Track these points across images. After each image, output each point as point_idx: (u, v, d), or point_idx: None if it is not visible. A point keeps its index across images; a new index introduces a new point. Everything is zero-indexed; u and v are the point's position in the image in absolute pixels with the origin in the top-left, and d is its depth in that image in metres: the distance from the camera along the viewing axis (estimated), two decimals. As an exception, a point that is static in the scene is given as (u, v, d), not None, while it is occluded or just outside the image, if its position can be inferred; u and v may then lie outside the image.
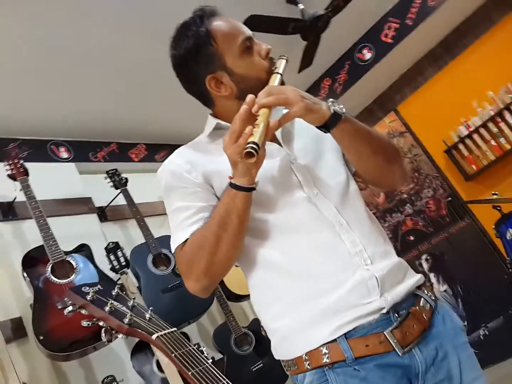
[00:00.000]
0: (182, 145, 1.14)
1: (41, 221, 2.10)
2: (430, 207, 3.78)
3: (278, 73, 1.06)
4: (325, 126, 0.97)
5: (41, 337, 1.89)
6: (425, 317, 0.98)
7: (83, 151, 2.94)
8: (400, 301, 0.97)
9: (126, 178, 2.77)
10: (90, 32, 2.27)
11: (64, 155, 2.85)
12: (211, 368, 0.73)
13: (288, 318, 0.99)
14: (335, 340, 0.93)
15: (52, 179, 2.65)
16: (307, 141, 1.10)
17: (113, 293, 0.85)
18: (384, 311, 0.94)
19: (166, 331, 0.81)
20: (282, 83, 1.06)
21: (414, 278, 1.04)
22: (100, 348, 2.00)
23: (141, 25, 2.39)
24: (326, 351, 0.93)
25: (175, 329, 0.86)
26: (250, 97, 0.91)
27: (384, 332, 0.93)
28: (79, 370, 2.16)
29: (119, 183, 2.73)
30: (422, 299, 1.02)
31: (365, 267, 0.98)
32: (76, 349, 1.92)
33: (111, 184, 2.74)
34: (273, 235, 1.01)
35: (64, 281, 2.02)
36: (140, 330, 0.80)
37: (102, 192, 2.77)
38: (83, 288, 0.81)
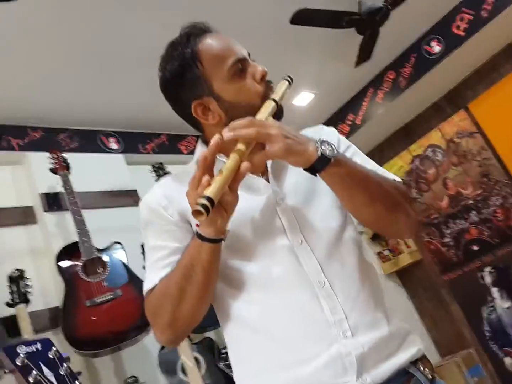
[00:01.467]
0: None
1: (78, 217, 2.15)
2: (497, 216, 3.45)
3: (273, 99, 0.95)
4: (312, 169, 0.84)
5: (68, 334, 1.94)
6: None
7: (132, 142, 2.96)
8: (384, 381, 0.84)
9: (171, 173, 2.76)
10: (140, 23, 2.26)
11: (114, 146, 2.89)
12: None
13: (256, 382, 0.90)
14: None
15: (100, 170, 2.70)
16: (300, 178, 0.95)
17: (50, 356, 0.80)
18: None
19: None
20: (277, 111, 0.95)
21: (409, 352, 0.90)
22: (125, 348, 2.03)
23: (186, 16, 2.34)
24: None
25: None
26: (214, 140, 0.80)
27: None
28: (109, 364, 2.20)
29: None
30: (414, 378, 0.88)
31: (344, 341, 0.84)
32: (101, 348, 1.95)
33: (156, 178, 2.74)
34: (248, 287, 0.91)
35: (94, 279, 2.05)
36: None
37: (149, 184, 2.79)
38: (17, 348, 0.77)
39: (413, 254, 3.89)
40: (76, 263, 2.09)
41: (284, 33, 2.65)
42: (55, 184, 2.37)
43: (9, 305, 1.93)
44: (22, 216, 2.39)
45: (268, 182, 0.97)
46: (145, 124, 2.98)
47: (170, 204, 0.95)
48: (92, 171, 2.64)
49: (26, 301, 1.93)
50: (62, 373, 0.78)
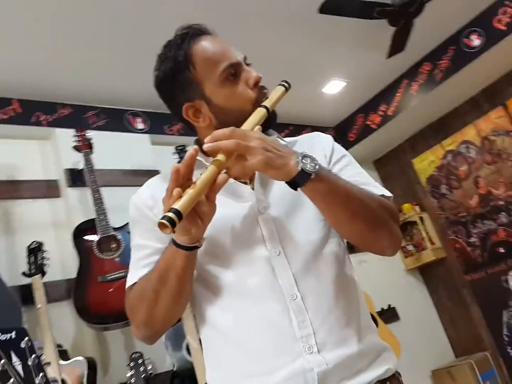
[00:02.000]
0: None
1: (96, 195, 2.22)
2: (527, 219, 3.34)
3: (264, 106, 0.95)
4: (293, 183, 0.83)
5: (78, 306, 2.03)
6: None
7: (159, 123, 3.01)
8: None
9: (193, 156, 2.80)
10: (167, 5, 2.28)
11: (140, 126, 2.95)
12: None
13: None
14: None
15: (125, 149, 2.77)
16: (286, 188, 0.91)
17: (22, 345, 0.84)
18: None
19: None
20: (268, 118, 0.95)
21: (377, 371, 0.89)
22: (132, 324, 2.10)
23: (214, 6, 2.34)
24: None
25: None
26: (189, 153, 0.81)
27: None
28: (119, 338, 2.30)
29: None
30: None
31: (308, 356, 0.85)
32: (110, 323, 2.04)
33: (178, 160, 2.79)
34: (223, 294, 0.92)
35: (107, 256, 2.13)
36: None
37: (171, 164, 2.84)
38: None
39: (437, 251, 3.82)
40: (92, 239, 2.18)
41: (315, 21, 2.60)
42: (78, 161, 2.45)
43: (25, 275, 2.04)
44: (47, 189, 2.50)
45: (253, 189, 0.97)
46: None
47: (155, 205, 0.96)
48: (117, 149, 2.71)
49: (42, 272, 2.04)
50: (29, 364, 0.83)
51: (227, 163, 0.82)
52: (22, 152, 2.52)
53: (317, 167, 0.82)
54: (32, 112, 2.54)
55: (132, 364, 1.97)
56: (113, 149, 2.68)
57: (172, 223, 0.72)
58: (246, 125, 0.90)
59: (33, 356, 0.84)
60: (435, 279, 3.92)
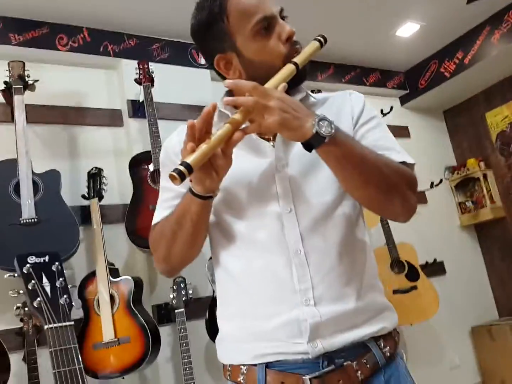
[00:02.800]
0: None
1: (154, 128, 2.33)
2: None
3: (294, 63, 0.95)
4: (307, 145, 0.86)
5: (129, 230, 2.22)
6: (359, 375, 0.91)
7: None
8: (338, 349, 0.91)
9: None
10: None
11: (203, 61, 2.98)
12: (78, 371, 0.82)
13: (229, 323, 1.02)
14: (255, 365, 0.94)
15: (186, 83, 2.82)
16: None
17: (53, 268, 0.96)
18: (309, 357, 0.90)
19: (59, 324, 0.92)
20: (297, 75, 0.95)
21: (372, 327, 0.94)
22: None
23: None
24: (244, 372, 0.95)
25: (71, 323, 0.95)
26: (206, 109, 0.85)
27: (303, 377, 0.90)
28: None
29: None
30: (370, 353, 0.93)
31: (304, 308, 0.92)
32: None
33: None
34: (235, 241, 0.99)
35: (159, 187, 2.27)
36: (39, 316, 0.92)
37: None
38: (28, 258, 0.94)
39: (497, 211, 3.68)
40: (146, 170, 2.32)
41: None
42: (140, 93, 2.55)
43: (84, 197, 2.24)
44: (110, 118, 2.64)
45: (274, 147, 1.00)
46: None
47: None
48: (178, 83, 2.77)
49: (99, 196, 2.22)
50: (57, 285, 0.96)
51: (245, 120, 0.86)
52: (90, 80, 2.65)
53: (332, 131, 0.84)
54: (100, 42, 2.64)
55: (175, 287, 2.15)
56: (174, 83, 2.75)
57: (182, 175, 0.78)
58: (272, 82, 0.92)
59: (61, 279, 0.97)
60: (491, 239, 3.81)
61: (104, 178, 2.28)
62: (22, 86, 2.14)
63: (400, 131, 3.77)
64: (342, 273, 0.95)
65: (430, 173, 3.72)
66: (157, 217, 1.06)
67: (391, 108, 3.32)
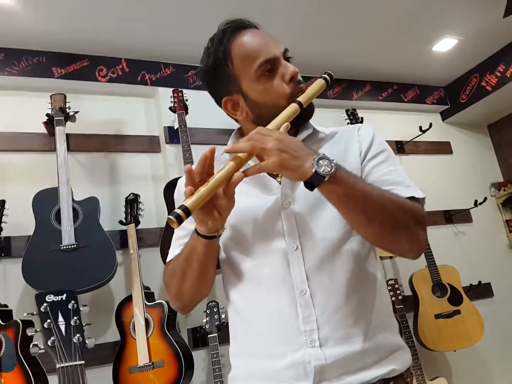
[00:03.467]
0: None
1: (187, 154, 2.39)
2: None
3: (298, 102, 0.97)
4: (308, 184, 0.86)
5: (165, 255, 2.26)
6: None
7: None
8: None
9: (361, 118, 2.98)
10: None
11: (237, 85, 3.03)
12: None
13: (239, 361, 1.03)
14: None
15: (220, 109, 2.87)
16: None
17: (69, 307, 1.00)
18: None
19: (70, 364, 0.95)
20: (301, 113, 0.97)
21: (382, 369, 0.92)
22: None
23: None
24: None
25: (82, 362, 0.98)
26: (203, 154, 0.87)
27: None
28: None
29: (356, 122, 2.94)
30: None
31: (309, 349, 0.91)
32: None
33: (348, 122, 2.98)
34: (242, 279, 1.01)
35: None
36: (51, 354, 0.95)
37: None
38: (46, 296, 0.99)
39: (549, 230, 3.49)
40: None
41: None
42: (175, 120, 2.62)
43: (121, 223, 2.31)
44: (149, 144, 2.73)
45: (281, 183, 1.01)
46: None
47: None
48: (212, 108, 2.77)
49: (136, 221, 2.29)
50: (72, 324, 1.00)
51: (245, 162, 0.88)
52: (128, 108, 2.76)
53: (332, 170, 0.84)
54: (138, 71, 2.75)
55: (208, 311, 2.17)
56: (208, 108, 2.74)
57: (179, 219, 0.80)
58: (275, 122, 0.94)
59: (75, 317, 1.01)
60: (543, 260, 3.61)
61: (140, 204, 2.35)
62: (63, 118, 2.26)
63: (441, 147, 3.68)
64: (349, 313, 0.94)
65: (475, 190, 3.60)
66: (170, 255, 1.08)
67: (430, 124, 3.25)
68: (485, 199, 3.30)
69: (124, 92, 2.74)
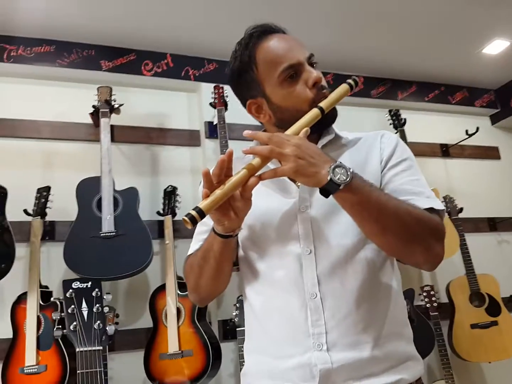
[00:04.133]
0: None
1: (224, 150, 2.42)
2: None
3: (319, 107, 0.98)
4: (324, 191, 0.87)
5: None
6: None
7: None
8: None
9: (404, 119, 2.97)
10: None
11: (279, 82, 3.04)
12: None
13: (251, 357, 1.05)
14: None
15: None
16: None
17: (93, 294, 1.04)
18: None
19: (89, 348, 0.99)
20: (322, 118, 0.98)
21: (389, 378, 0.91)
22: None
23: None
24: None
25: (100, 348, 1.02)
26: (221, 158, 0.89)
27: None
28: (234, 280, 2.55)
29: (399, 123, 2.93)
30: None
31: (316, 352, 0.91)
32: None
33: (391, 123, 2.99)
34: (257, 278, 1.02)
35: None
36: (72, 338, 0.99)
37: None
38: (73, 283, 1.03)
39: None
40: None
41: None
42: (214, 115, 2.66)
43: (159, 214, 2.37)
44: (189, 138, 2.79)
45: (299, 187, 1.02)
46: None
47: None
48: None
49: (173, 213, 2.35)
50: (94, 311, 1.05)
51: (262, 166, 0.89)
52: (172, 102, 2.82)
53: (348, 179, 0.84)
54: (182, 66, 2.81)
55: (238, 305, 2.21)
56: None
57: (193, 220, 0.83)
58: (295, 127, 0.95)
59: (98, 305, 1.06)
60: None
61: (178, 196, 2.41)
62: (108, 110, 2.35)
63: (489, 152, 3.56)
64: (359, 320, 0.94)
65: (523, 197, 3.46)
66: (190, 249, 1.12)
67: (477, 129, 3.15)
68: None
69: (168, 87, 2.81)
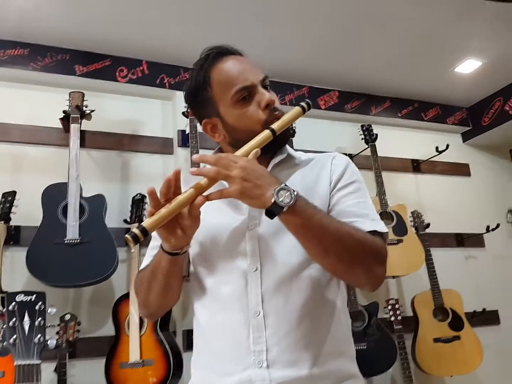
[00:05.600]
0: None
1: (194, 151, 2.43)
2: None
3: (271, 129, 1.00)
4: (269, 213, 0.88)
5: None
6: None
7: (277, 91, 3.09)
8: None
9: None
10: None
11: (254, 93, 3.06)
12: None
13: (195, 372, 1.06)
14: None
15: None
16: None
17: (36, 308, 1.05)
18: None
19: (27, 362, 0.99)
20: (274, 139, 1.00)
21: None
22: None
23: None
24: None
25: (38, 362, 1.02)
26: (166, 178, 0.91)
27: None
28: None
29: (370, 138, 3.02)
30: None
31: (256, 370, 0.93)
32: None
33: (362, 137, 3.04)
34: (205, 293, 1.04)
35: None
36: (11, 352, 1.00)
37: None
38: (17, 296, 1.04)
39: None
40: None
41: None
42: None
43: (126, 222, 2.37)
44: (162, 146, 2.79)
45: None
46: (289, 74, 3.07)
47: None
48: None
49: (140, 221, 2.34)
50: (36, 324, 1.05)
51: (210, 186, 0.91)
52: (146, 110, 2.83)
53: (291, 201, 0.86)
54: (157, 74, 2.81)
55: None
56: None
57: (136, 239, 0.84)
58: (245, 148, 0.96)
59: (40, 318, 1.06)
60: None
61: (146, 205, 2.40)
62: (78, 116, 2.34)
63: (459, 169, 3.63)
64: (300, 338, 0.95)
65: (492, 215, 3.53)
66: (142, 264, 1.12)
67: (447, 146, 3.21)
68: (498, 225, 3.23)
69: (143, 94, 2.81)
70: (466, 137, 3.74)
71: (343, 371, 0.99)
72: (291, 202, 0.86)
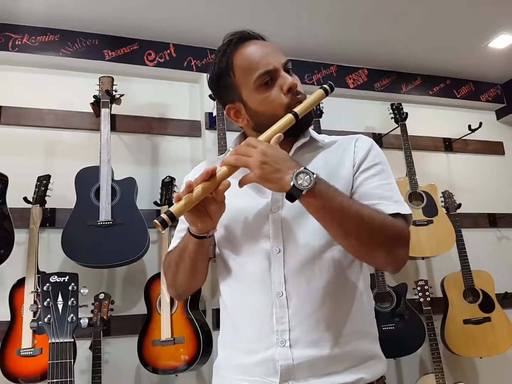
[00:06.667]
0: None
1: (222, 142, 2.46)
2: None
3: (294, 112, 1.00)
4: (289, 196, 0.90)
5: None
6: None
7: (299, 72, 3.06)
8: None
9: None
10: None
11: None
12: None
13: (222, 351, 1.10)
14: None
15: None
16: None
17: (69, 288, 1.09)
18: None
19: (60, 340, 1.04)
20: (297, 123, 1.00)
21: (349, 377, 0.95)
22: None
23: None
24: None
25: (70, 340, 1.07)
26: (205, 170, 0.92)
27: None
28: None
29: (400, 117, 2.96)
30: None
31: (279, 349, 0.96)
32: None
33: (392, 117, 2.99)
34: (230, 275, 1.07)
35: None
36: (46, 331, 1.05)
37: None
38: (50, 277, 1.08)
39: None
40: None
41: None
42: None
43: (156, 204, 2.42)
44: (190, 129, 2.82)
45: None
46: (316, 53, 3.03)
47: None
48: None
49: (170, 203, 2.39)
50: (69, 304, 1.10)
51: (232, 172, 0.93)
52: (174, 93, 2.85)
53: (310, 184, 0.87)
54: (185, 57, 2.82)
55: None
56: None
57: (164, 223, 0.87)
58: (268, 132, 0.98)
59: (72, 299, 1.11)
60: None
61: (175, 187, 2.45)
62: (108, 100, 2.39)
63: (493, 147, 3.53)
64: (322, 318, 0.97)
65: (526, 194, 3.44)
66: (171, 246, 1.17)
67: (480, 124, 3.13)
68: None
69: (170, 77, 2.83)
70: (500, 114, 3.62)
71: (365, 352, 1.01)
72: (310, 185, 0.88)
